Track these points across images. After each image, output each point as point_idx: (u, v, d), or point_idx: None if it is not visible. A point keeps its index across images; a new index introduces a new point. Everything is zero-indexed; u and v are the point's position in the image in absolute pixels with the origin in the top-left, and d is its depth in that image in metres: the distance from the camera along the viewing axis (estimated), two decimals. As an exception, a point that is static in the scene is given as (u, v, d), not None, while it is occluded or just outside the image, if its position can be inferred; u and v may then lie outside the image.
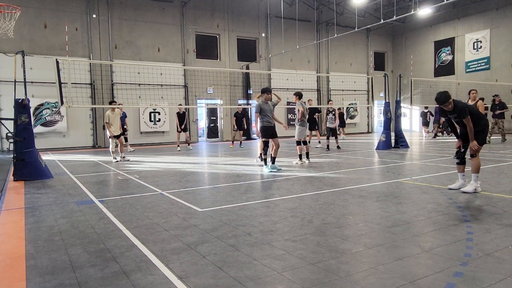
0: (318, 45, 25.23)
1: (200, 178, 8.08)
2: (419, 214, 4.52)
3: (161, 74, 19.67)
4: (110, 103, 12.18)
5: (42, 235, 4.06)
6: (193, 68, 19.66)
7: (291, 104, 19.90)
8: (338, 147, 13.94)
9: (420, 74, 25.09)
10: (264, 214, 4.72)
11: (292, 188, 6.45)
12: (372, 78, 17.06)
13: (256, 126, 8.68)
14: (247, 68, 22.51)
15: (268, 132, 8.59)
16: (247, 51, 23.35)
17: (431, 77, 24.38)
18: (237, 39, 22.76)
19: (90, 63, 18.56)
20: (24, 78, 8.26)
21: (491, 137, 14.81)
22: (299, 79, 23.99)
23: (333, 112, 13.94)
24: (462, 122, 5.72)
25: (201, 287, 2.71)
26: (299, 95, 10.03)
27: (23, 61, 8.21)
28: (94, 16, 18.80)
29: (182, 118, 15.24)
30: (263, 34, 23.47)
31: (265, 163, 8.60)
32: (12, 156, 8.45)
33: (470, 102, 10.45)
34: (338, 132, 14.22)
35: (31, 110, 10.15)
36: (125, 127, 14.46)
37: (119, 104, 12.44)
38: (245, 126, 16.29)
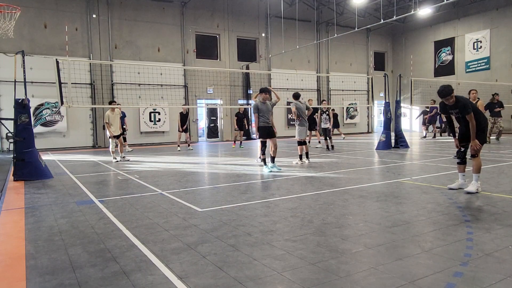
0: (318, 45, 25.23)
1: (200, 178, 8.08)
2: (419, 214, 4.52)
3: (161, 74, 19.67)
4: (110, 103, 12.18)
5: (42, 235, 4.06)
6: (193, 68, 19.66)
7: (291, 104, 19.89)
8: (328, 148, 13.65)
9: (420, 74, 25.08)
10: (264, 214, 4.72)
11: (292, 188, 6.45)
12: (372, 78, 17.07)
13: (255, 126, 8.67)
14: (247, 68, 22.52)
15: (265, 132, 8.55)
16: (247, 51, 23.35)
17: (431, 77, 24.37)
18: (237, 39, 22.76)
19: (90, 63, 18.56)
20: (24, 78, 8.26)
21: (491, 137, 14.80)
22: (299, 79, 23.99)
23: (327, 112, 13.85)
24: (463, 119, 5.65)
25: (201, 287, 2.71)
26: (294, 96, 10.03)
27: (23, 61, 8.20)
28: (94, 16, 18.80)
29: (185, 118, 15.33)
30: (263, 34, 23.47)
31: (265, 163, 8.60)
32: (12, 156, 8.45)
33: (470, 102, 10.44)
34: (332, 133, 14.15)
35: (31, 110, 10.16)
36: (124, 127, 14.46)
37: (117, 104, 12.45)
38: (246, 126, 16.30)
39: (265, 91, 8.60)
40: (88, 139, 19.02)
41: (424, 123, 19.62)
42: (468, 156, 5.79)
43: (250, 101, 21.66)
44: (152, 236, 3.90)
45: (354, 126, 27.39)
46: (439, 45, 25.35)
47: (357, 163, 9.76)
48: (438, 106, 18.71)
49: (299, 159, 9.85)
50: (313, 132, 15.20)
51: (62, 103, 9.22)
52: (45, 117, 17.67)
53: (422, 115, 19.79)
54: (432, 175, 7.42)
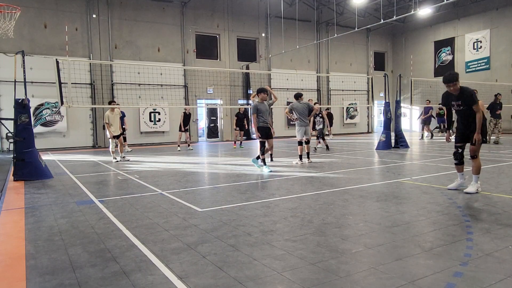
0: (318, 45, 25.23)
1: (200, 178, 8.08)
2: (419, 214, 4.52)
3: (161, 74, 19.67)
4: (110, 103, 12.17)
5: (42, 235, 4.06)
6: (193, 68, 19.66)
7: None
8: (315, 149, 13.58)
9: (420, 74, 25.08)
10: (264, 214, 4.72)
11: (292, 188, 6.45)
12: (372, 78, 17.07)
13: (254, 126, 8.68)
14: (247, 68, 22.52)
15: (263, 132, 8.59)
16: (247, 51, 23.35)
17: (431, 77, 24.36)
18: (237, 39, 22.76)
19: (90, 63, 18.56)
20: (24, 78, 8.26)
21: (493, 137, 14.77)
22: (299, 79, 23.99)
23: (320, 115, 13.87)
24: (464, 114, 5.50)
25: (201, 287, 2.71)
26: (294, 96, 10.06)
27: (23, 61, 8.20)
28: (94, 16, 18.80)
29: (188, 118, 15.44)
30: (263, 34, 23.47)
31: (264, 163, 8.60)
32: (12, 156, 8.45)
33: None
34: (326, 132, 14.21)
35: (31, 110, 10.15)
36: (124, 126, 14.46)
37: (117, 104, 12.46)
38: (246, 126, 16.31)
39: (263, 91, 8.70)
40: (88, 139, 19.02)
41: (424, 123, 19.57)
42: (468, 156, 5.76)
43: (250, 101, 21.68)
44: (152, 236, 3.90)
45: (354, 126, 27.39)
46: (439, 45, 25.35)
47: (357, 163, 9.76)
48: (433, 106, 18.50)
49: (299, 159, 9.85)
50: (313, 132, 15.19)
51: (62, 103, 9.22)
52: (45, 117, 17.67)
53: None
54: (432, 175, 7.42)
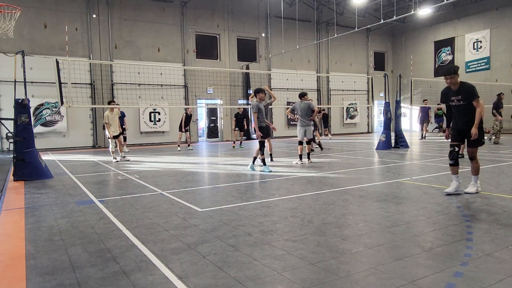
0: (318, 45, 25.23)
1: (200, 178, 8.08)
2: (419, 214, 4.52)
3: (161, 74, 19.67)
4: (109, 103, 12.17)
5: (42, 235, 4.06)
6: (193, 68, 19.66)
7: (291, 104, 19.89)
8: (321, 147, 13.67)
9: (420, 74, 25.08)
10: (264, 214, 4.72)
11: (292, 188, 6.45)
12: (372, 78, 17.06)
13: (255, 126, 8.70)
14: (247, 68, 22.51)
15: (263, 132, 8.68)
16: (247, 51, 23.34)
17: (431, 77, 24.37)
18: (237, 39, 22.76)
19: (90, 63, 18.56)
20: (24, 78, 8.26)
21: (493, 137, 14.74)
22: (299, 79, 23.98)
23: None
24: (463, 109, 5.38)
25: (201, 287, 2.71)
26: (299, 95, 10.08)
27: (23, 61, 8.20)
28: (94, 16, 18.80)
29: (189, 119, 15.53)
30: (263, 34, 23.47)
31: (264, 163, 8.61)
32: (12, 156, 8.45)
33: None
34: (320, 133, 14.27)
35: (31, 110, 10.16)
36: (124, 126, 14.46)
37: (116, 104, 12.47)
38: (246, 126, 16.32)
39: (262, 91, 8.82)
40: (88, 139, 19.02)
41: (422, 123, 19.52)
42: (466, 157, 5.71)
43: (249, 102, 21.68)
44: (152, 236, 3.90)
45: (354, 126, 27.40)
46: (439, 45, 25.36)
47: (357, 163, 9.76)
48: (430, 106, 18.38)
49: (299, 159, 9.85)
50: (313, 132, 15.18)
51: (62, 103, 9.22)
52: (45, 117, 17.67)
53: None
54: (432, 175, 7.42)
